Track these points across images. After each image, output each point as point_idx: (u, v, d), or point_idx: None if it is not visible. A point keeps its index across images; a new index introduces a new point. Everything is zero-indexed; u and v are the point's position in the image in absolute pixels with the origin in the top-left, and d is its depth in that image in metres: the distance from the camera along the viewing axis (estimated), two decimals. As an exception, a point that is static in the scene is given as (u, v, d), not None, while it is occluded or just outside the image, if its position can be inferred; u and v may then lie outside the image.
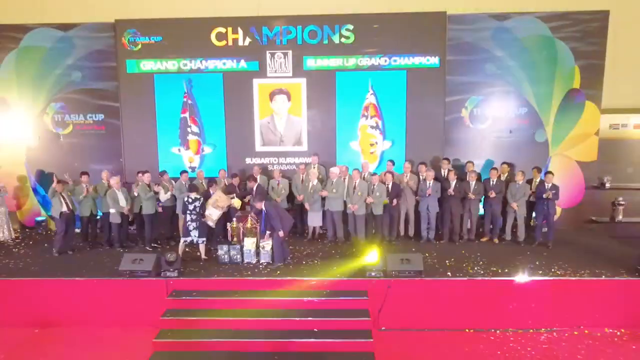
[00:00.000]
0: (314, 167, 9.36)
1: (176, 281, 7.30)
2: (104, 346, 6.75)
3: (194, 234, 7.96)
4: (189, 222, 7.95)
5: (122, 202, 8.60)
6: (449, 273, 7.41)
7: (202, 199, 8.04)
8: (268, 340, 6.40)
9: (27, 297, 7.45)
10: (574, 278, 7.26)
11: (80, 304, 7.35)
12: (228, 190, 8.86)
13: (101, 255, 8.47)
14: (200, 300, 7.07)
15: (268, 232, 7.82)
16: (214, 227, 8.28)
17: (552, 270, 7.51)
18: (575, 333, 7.06)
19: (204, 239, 8.05)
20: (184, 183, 8.83)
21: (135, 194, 8.70)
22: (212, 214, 8.12)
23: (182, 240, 8.05)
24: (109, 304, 7.26)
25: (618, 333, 7.04)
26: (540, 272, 7.43)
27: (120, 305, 7.23)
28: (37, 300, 7.43)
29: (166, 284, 7.27)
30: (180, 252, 7.88)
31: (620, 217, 9.67)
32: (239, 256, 7.84)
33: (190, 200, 7.92)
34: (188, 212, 7.94)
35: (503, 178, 9.00)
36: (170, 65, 9.71)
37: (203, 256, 8.07)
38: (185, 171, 9.09)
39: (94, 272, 7.66)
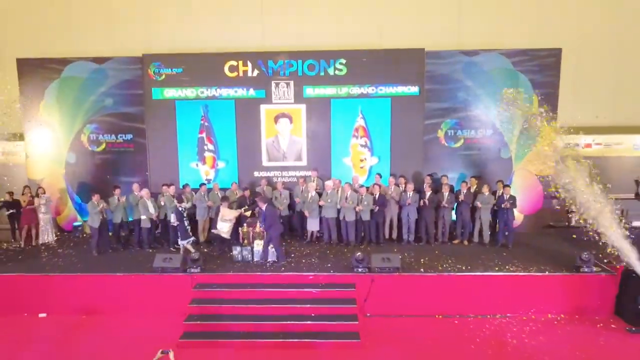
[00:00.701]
0: (313, 180, 10.89)
1: (199, 276, 8.83)
2: (142, 328, 8.26)
3: (191, 234, 9.65)
4: (187, 227, 9.56)
5: (152, 210, 10.15)
6: (422, 270, 8.96)
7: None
8: (275, 323, 7.95)
9: (76, 289, 8.95)
10: (523, 274, 8.81)
11: (120, 295, 8.85)
12: (239, 201, 10.39)
13: (134, 255, 10.01)
14: (219, 292, 8.61)
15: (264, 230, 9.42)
16: (228, 237, 9.80)
17: (507, 267, 9.04)
18: (524, 318, 8.58)
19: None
20: (202, 194, 10.37)
21: (162, 203, 10.25)
22: (223, 227, 9.65)
23: (186, 242, 9.53)
24: (145, 295, 8.78)
25: (558, 318, 8.56)
26: (497, 268, 8.98)
27: (155, 296, 8.75)
28: (83, 291, 8.93)
29: (191, 279, 8.80)
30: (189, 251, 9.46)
31: (573, 223, 11.18)
32: (249, 255, 9.39)
33: (183, 209, 9.51)
34: (185, 218, 9.50)
35: (472, 190, 10.53)
36: (190, 92, 11.24)
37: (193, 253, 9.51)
38: (203, 184, 10.65)
39: (129, 268, 9.19)
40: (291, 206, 10.90)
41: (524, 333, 8.10)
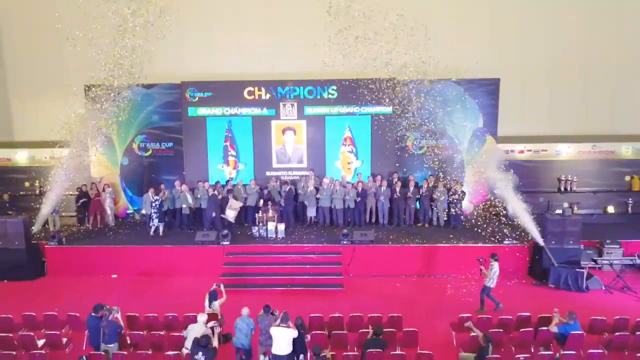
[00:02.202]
0: (312, 179, 13.97)
1: (229, 247, 11.97)
2: (190, 283, 11.33)
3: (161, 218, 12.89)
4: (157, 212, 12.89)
5: (190, 200, 13.27)
6: (390, 242, 12.11)
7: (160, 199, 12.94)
8: (284, 277, 11.10)
9: (137, 257, 12.08)
10: (464, 245, 11.97)
11: (171, 261, 11.99)
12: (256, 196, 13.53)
13: (177, 234, 13.13)
14: (244, 257, 11.79)
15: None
16: (233, 222, 12.92)
17: (453, 241, 12.16)
18: (462, 277, 11.70)
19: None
20: (230, 189, 13.48)
21: (198, 195, 13.38)
22: (229, 214, 12.77)
23: (157, 224, 12.78)
24: (190, 261, 11.91)
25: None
26: (445, 241, 12.12)
27: (197, 261, 11.88)
28: (143, 259, 12.05)
29: (223, 249, 11.96)
30: (152, 232, 12.69)
31: (511, 210, 14.29)
32: (264, 232, 12.53)
33: (154, 199, 12.79)
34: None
35: (431, 185, 13.64)
36: (217, 111, 14.34)
37: (161, 234, 12.77)
38: (228, 181, 13.80)
39: (177, 242, 12.35)
40: (295, 197, 13.98)
41: (460, 286, 11.25)
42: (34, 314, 8.67)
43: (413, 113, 13.79)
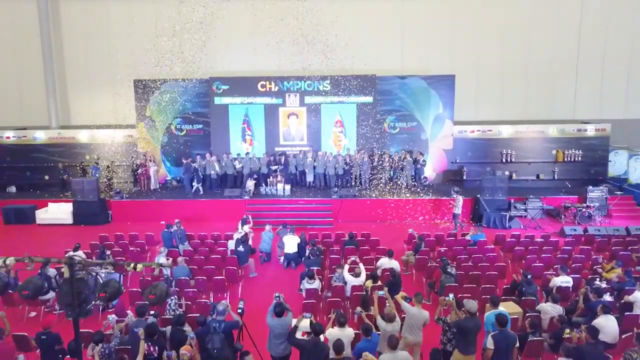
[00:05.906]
0: (310, 152, 17.72)
1: (249, 200, 15.76)
2: (221, 224, 15.10)
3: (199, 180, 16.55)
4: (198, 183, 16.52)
5: (217, 168, 17.02)
6: (368, 197, 15.93)
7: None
8: (289, 220, 14.88)
9: (179, 208, 15.82)
10: (423, 198, 15.79)
11: (205, 211, 15.76)
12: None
13: (209, 193, 16.92)
14: (260, 207, 15.56)
15: None
16: (252, 193, 16.68)
17: (415, 196, 15.99)
18: (423, 224, 15.53)
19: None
20: (247, 160, 17.26)
21: (223, 164, 17.14)
22: (249, 184, 16.52)
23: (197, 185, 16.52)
24: (221, 210, 15.69)
25: (442, 221, 15.50)
26: (410, 196, 15.95)
27: (226, 210, 15.66)
28: (184, 209, 15.80)
29: (245, 202, 15.74)
30: (193, 191, 16.40)
31: (464, 177, 18.09)
32: (275, 191, 16.32)
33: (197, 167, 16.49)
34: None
35: (402, 157, 17.42)
36: (237, 100, 18.04)
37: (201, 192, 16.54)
38: (247, 153, 17.58)
39: (209, 197, 16.16)
40: (297, 167, 17.76)
41: (420, 227, 15.05)
42: (122, 233, 12.47)
43: (389, 102, 17.60)
